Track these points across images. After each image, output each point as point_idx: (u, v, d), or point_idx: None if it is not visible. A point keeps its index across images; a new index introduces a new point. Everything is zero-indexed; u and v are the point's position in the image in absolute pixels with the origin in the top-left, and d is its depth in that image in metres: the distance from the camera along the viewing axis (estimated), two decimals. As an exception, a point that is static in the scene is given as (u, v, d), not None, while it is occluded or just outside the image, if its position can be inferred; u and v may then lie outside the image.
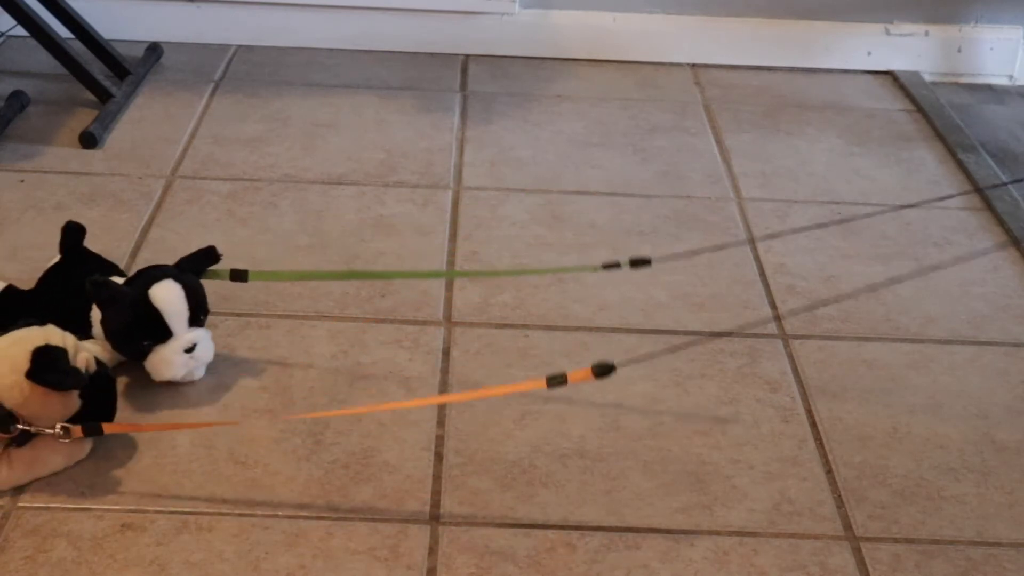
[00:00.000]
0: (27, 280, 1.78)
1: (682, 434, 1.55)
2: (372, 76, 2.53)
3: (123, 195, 2.03)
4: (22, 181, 2.05)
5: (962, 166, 2.26)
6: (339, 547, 1.35)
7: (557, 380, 1.34)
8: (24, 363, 1.36)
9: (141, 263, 1.83)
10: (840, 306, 1.83)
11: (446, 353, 1.68)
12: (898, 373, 1.69)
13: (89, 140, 2.16)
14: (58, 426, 1.37)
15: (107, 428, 1.40)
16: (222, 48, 2.61)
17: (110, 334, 1.53)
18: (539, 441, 1.52)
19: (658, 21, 2.66)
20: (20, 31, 2.30)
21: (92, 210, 1.98)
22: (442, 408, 1.57)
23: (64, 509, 1.38)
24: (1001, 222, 2.07)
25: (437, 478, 1.45)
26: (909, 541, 1.40)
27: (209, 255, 1.60)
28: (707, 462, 1.50)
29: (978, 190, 2.13)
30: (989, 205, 2.13)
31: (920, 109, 2.50)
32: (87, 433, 1.39)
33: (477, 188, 2.11)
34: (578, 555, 1.35)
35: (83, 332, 1.55)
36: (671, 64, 2.67)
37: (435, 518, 1.39)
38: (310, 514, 1.39)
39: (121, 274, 1.65)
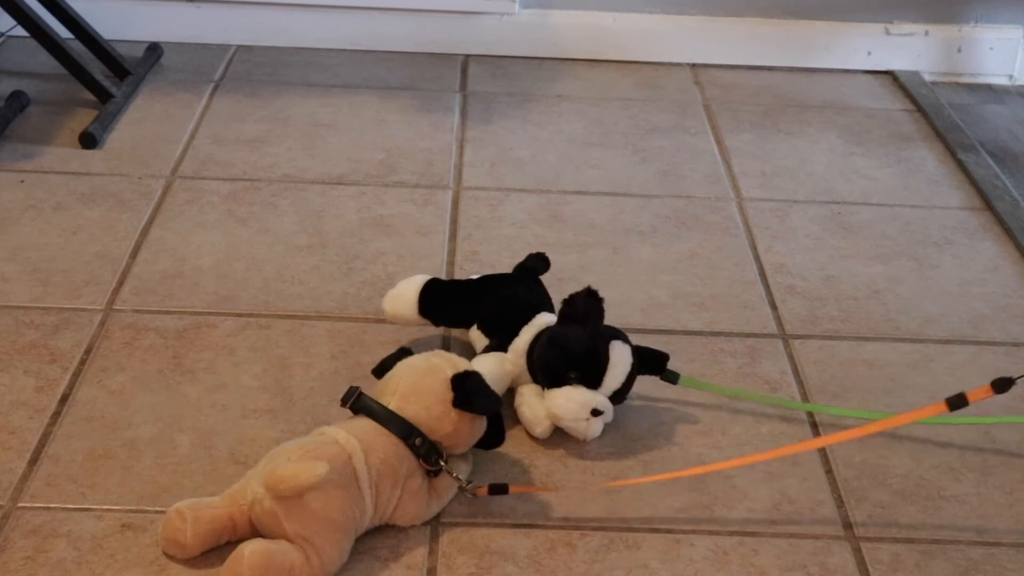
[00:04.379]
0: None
1: (682, 434, 1.55)
2: (372, 76, 2.53)
3: (123, 195, 2.03)
4: (22, 181, 2.05)
5: (962, 166, 2.26)
6: (339, 547, 1.34)
7: (957, 402, 1.33)
8: (446, 393, 1.37)
9: (141, 263, 1.83)
10: (840, 306, 1.83)
11: (446, 353, 1.68)
12: (898, 373, 1.69)
13: (89, 140, 2.16)
14: (470, 485, 1.39)
15: (512, 489, 1.40)
16: (222, 48, 2.61)
17: (554, 346, 1.50)
18: (539, 441, 1.52)
19: (658, 21, 2.66)
20: (20, 31, 2.30)
21: (92, 210, 1.98)
22: (442, 408, 1.57)
23: (64, 509, 1.38)
24: (1001, 222, 2.08)
25: (437, 478, 1.45)
26: (909, 541, 1.40)
27: (661, 362, 1.56)
28: (707, 462, 1.50)
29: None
30: (989, 205, 2.13)
31: (920, 109, 2.50)
32: (492, 492, 1.39)
33: (477, 188, 2.11)
34: (578, 555, 1.35)
35: (504, 343, 1.55)
36: (671, 64, 2.67)
37: (436, 518, 1.39)
38: (310, 514, 1.39)
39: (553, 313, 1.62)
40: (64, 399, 1.55)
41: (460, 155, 2.22)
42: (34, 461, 1.45)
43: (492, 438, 1.43)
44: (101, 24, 2.44)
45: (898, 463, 1.52)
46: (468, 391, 1.37)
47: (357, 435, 1.33)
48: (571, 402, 1.48)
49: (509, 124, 2.35)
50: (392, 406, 1.37)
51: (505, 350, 1.55)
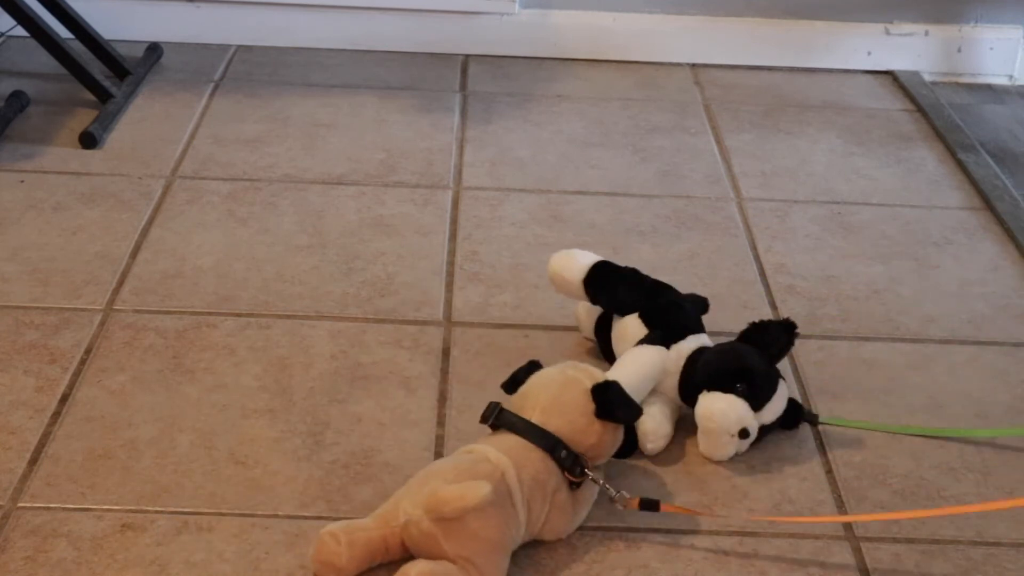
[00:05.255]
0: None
1: (682, 434, 1.55)
2: (372, 76, 2.53)
3: (123, 195, 2.03)
4: (22, 181, 2.05)
5: (962, 166, 2.26)
6: (339, 547, 1.34)
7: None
8: (588, 404, 1.36)
9: (141, 263, 1.83)
10: (840, 306, 1.83)
11: (446, 353, 1.68)
12: (898, 373, 1.69)
13: (89, 140, 2.16)
14: (620, 495, 1.37)
15: (664, 507, 1.38)
16: (222, 48, 2.61)
17: (732, 355, 1.50)
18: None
19: (658, 21, 2.66)
20: (20, 31, 2.30)
21: (92, 210, 1.98)
22: (442, 408, 1.57)
23: (64, 509, 1.38)
24: (1001, 222, 2.08)
25: (437, 478, 1.45)
26: (909, 541, 1.40)
27: (797, 415, 1.54)
28: (707, 462, 1.50)
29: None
30: (989, 205, 2.13)
31: (920, 109, 2.50)
32: (643, 507, 1.37)
33: (477, 188, 2.11)
34: (578, 555, 1.35)
35: (666, 339, 1.52)
36: (671, 64, 2.67)
37: (435, 518, 1.39)
38: (310, 514, 1.39)
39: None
40: (64, 399, 1.55)
41: (460, 155, 2.22)
42: (34, 461, 1.45)
43: (624, 446, 1.42)
44: (101, 24, 2.44)
45: (898, 463, 1.52)
46: (610, 401, 1.36)
47: (506, 452, 1.32)
48: (733, 410, 1.46)
49: (509, 124, 2.35)
50: (534, 421, 1.35)
51: (666, 345, 1.52)
